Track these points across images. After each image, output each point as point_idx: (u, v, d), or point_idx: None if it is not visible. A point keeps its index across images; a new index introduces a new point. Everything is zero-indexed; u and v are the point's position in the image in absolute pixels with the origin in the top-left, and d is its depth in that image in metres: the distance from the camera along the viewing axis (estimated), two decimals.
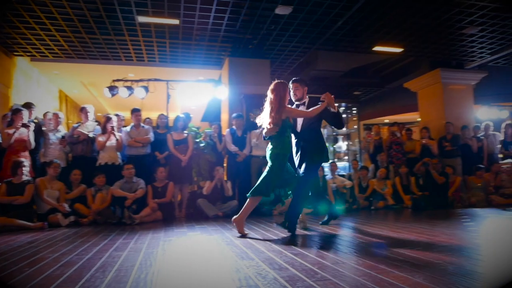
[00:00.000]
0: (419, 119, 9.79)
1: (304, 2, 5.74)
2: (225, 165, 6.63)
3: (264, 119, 3.88)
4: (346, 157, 9.18)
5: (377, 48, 7.80)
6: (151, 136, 6.04)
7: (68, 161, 6.03)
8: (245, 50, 7.48)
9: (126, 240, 3.59)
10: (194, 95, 7.74)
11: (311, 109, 3.90)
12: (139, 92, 7.32)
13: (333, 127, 4.11)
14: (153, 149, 6.10)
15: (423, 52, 8.15)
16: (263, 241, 3.33)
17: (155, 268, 2.35)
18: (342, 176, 7.37)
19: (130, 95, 7.35)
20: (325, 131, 9.55)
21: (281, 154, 3.79)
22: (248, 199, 3.85)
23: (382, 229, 4.00)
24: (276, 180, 3.76)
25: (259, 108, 7.65)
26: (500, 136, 7.89)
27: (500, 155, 7.84)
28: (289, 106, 3.89)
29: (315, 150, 3.94)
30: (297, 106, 4.16)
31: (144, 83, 7.43)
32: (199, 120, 12.75)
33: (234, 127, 6.63)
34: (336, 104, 3.83)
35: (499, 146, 7.83)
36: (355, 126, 9.54)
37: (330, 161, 7.93)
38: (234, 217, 3.85)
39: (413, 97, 9.80)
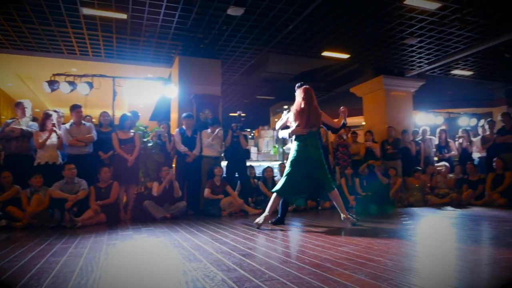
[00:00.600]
0: (364, 123, 10.28)
1: (256, 5, 5.79)
2: (173, 165, 6.49)
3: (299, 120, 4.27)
4: None
5: (325, 54, 8.06)
6: (94, 134, 5.74)
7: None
8: (196, 49, 7.39)
9: (66, 244, 3.38)
10: (142, 93, 7.51)
11: (336, 120, 4.51)
12: (82, 88, 6.93)
13: (329, 131, 4.86)
14: (96, 149, 5.79)
15: (367, 59, 8.57)
16: (211, 243, 3.30)
17: (97, 274, 2.24)
18: None
19: (72, 90, 6.94)
20: (275, 133, 9.69)
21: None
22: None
23: (328, 229, 4.15)
24: None
25: (210, 108, 7.64)
26: (435, 141, 8.50)
27: (435, 158, 8.45)
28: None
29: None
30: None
31: (88, 79, 7.06)
32: (147, 119, 12.39)
33: (184, 127, 6.52)
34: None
35: (434, 149, 8.43)
36: None
37: (279, 162, 8.09)
38: None
39: (359, 102, 10.26)
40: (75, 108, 5.77)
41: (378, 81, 9.30)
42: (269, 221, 4.41)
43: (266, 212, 4.26)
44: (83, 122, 5.82)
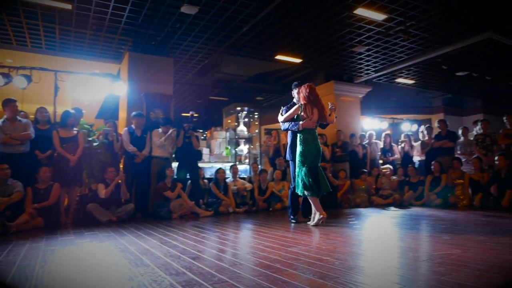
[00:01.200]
0: None
1: (211, 4, 5.74)
2: (121, 166, 6.24)
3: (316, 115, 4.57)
4: (247, 160, 9.42)
5: (279, 57, 8.19)
6: (31, 132, 5.30)
7: None
8: (147, 46, 7.17)
9: None
10: (88, 90, 7.14)
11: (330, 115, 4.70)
12: (19, 81, 6.39)
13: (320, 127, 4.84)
14: (32, 147, 5.35)
15: (319, 64, 8.83)
16: (160, 246, 3.21)
17: (32, 283, 2.08)
18: (243, 179, 7.54)
19: (7, 83, 6.37)
20: (227, 134, 9.67)
21: None
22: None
23: (279, 230, 4.19)
24: None
25: (161, 107, 7.45)
26: (380, 144, 8.94)
27: (380, 161, 8.88)
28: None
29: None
30: (292, 105, 4.82)
31: (26, 72, 6.55)
32: (93, 117, 11.80)
33: (133, 126, 6.30)
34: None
35: (380, 153, 8.86)
36: (257, 131, 9.87)
37: (231, 164, 8.08)
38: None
39: None
40: (8, 103, 5.28)
41: (328, 86, 9.61)
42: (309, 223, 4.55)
43: (319, 214, 4.43)
44: (18, 118, 5.36)
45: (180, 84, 10.19)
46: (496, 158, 6.45)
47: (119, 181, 5.57)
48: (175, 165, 6.71)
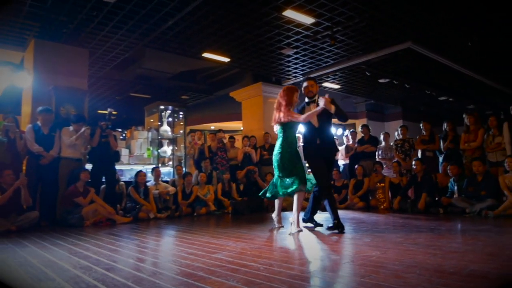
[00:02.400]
0: (242, 128, 10.69)
1: None
2: (24, 168, 5.68)
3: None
4: (170, 163, 9.20)
5: (206, 55, 8.15)
6: None
7: None
8: (58, 33, 6.65)
9: None
10: None
11: (305, 115, 4.36)
12: None
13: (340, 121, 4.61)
14: None
15: (247, 65, 8.97)
16: (69, 258, 2.99)
17: None
18: (166, 182, 7.35)
19: None
20: (149, 134, 9.35)
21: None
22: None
23: (203, 235, 4.17)
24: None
25: (73, 103, 6.97)
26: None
27: (307, 164, 9.20)
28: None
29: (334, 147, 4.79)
30: (308, 103, 4.60)
31: None
32: None
33: (39, 122, 5.79)
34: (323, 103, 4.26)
35: None
36: (181, 131, 9.69)
37: (154, 166, 7.83)
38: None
39: (238, 107, 10.64)
40: None
41: (257, 87, 9.81)
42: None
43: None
44: None
45: (96, 78, 9.62)
46: (413, 162, 6.90)
47: (21, 185, 5.07)
48: (89, 166, 6.32)
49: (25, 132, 5.72)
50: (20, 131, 5.71)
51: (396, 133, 8.53)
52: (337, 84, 10.81)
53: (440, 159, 7.35)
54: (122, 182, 6.92)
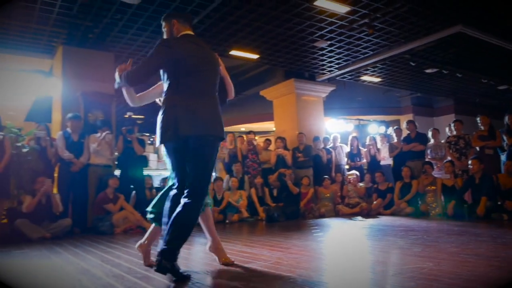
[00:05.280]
0: (274, 129, 10.77)
1: None
2: (56, 175, 6.12)
3: None
4: None
5: (233, 52, 8.33)
6: None
7: None
8: (84, 39, 7.11)
9: None
10: (16, 89, 6.94)
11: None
12: None
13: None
14: None
15: (277, 61, 9.07)
16: (101, 266, 3.23)
17: None
18: None
19: None
20: None
21: None
22: None
23: (236, 244, 4.27)
24: None
25: (101, 108, 7.36)
26: (347, 148, 9.25)
27: (347, 166, 9.18)
28: None
29: None
30: None
31: None
32: (22, 119, 11.35)
33: (68, 129, 6.21)
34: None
35: (346, 157, 9.16)
36: None
37: None
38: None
39: (269, 106, 10.74)
40: None
41: (289, 84, 9.84)
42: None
43: None
44: None
45: None
46: (469, 162, 6.54)
47: (48, 192, 5.46)
48: (117, 173, 6.67)
49: (55, 139, 6.15)
50: (51, 138, 6.15)
51: (447, 129, 8.26)
52: (377, 77, 10.68)
53: (502, 157, 6.99)
54: (155, 190, 7.19)
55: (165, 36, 3.02)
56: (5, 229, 5.35)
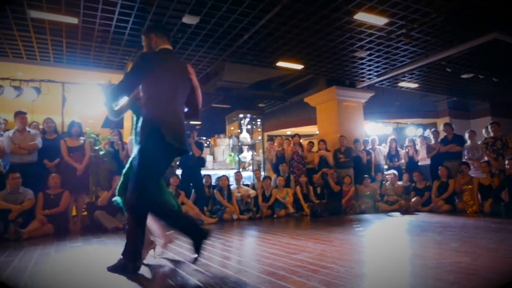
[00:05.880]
0: (318, 132, 10.61)
1: (211, 14, 5.85)
2: None
3: None
4: (250, 167, 9.49)
5: (280, 64, 8.27)
6: (38, 142, 5.48)
7: None
8: None
9: (9, 258, 3.22)
10: (94, 100, 7.27)
11: None
12: (29, 93, 6.61)
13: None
14: (41, 157, 5.53)
15: (320, 70, 8.90)
16: (165, 252, 3.25)
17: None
18: (247, 185, 7.60)
19: (18, 96, 6.59)
20: (230, 141, 9.74)
21: None
22: None
23: (283, 236, 4.23)
24: None
25: None
26: (385, 149, 8.96)
27: (385, 166, 8.89)
28: None
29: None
30: None
31: (36, 84, 6.74)
32: (99, 126, 11.96)
33: None
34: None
35: (383, 158, 8.87)
36: (260, 137, 9.94)
37: (235, 171, 8.15)
38: None
39: (313, 112, 10.60)
40: (19, 114, 5.54)
41: (330, 91, 9.66)
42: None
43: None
44: (27, 129, 5.57)
45: None
46: (506, 162, 6.27)
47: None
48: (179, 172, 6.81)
49: (126, 143, 6.36)
50: (123, 142, 6.36)
51: (483, 131, 7.84)
52: (414, 83, 10.20)
53: None
54: (212, 188, 7.30)
55: (144, 50, 2.96)
56: (86, 220, 5.60)
